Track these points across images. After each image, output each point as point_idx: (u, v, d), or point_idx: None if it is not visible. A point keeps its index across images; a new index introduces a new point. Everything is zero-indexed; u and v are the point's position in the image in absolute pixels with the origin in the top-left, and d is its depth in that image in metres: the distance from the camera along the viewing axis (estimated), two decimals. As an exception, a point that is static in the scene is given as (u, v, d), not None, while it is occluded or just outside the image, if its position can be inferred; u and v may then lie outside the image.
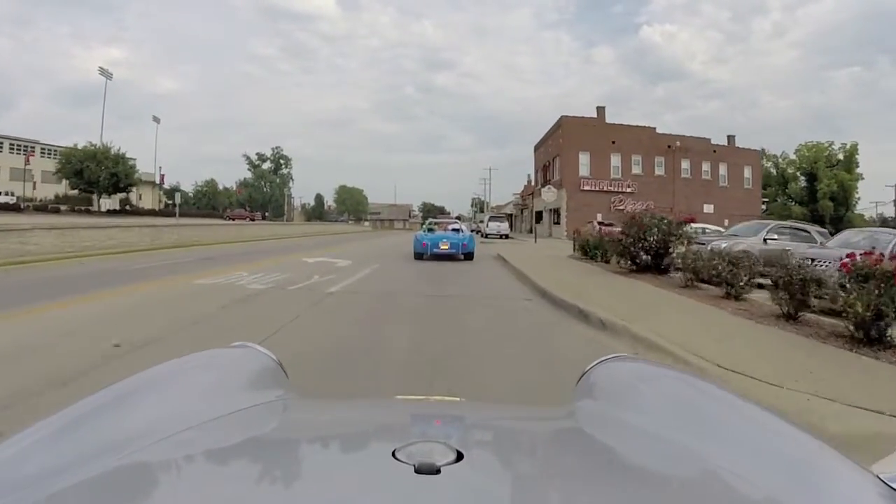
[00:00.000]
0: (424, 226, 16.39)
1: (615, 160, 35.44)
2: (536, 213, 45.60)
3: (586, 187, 34.39)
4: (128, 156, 41.53)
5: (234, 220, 44.33)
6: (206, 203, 67.75)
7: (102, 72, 46.27)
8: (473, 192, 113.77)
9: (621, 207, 35.56)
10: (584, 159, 34.77)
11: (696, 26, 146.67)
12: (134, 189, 46.11)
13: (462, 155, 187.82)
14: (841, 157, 42.65)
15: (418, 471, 0.51)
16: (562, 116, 35.42)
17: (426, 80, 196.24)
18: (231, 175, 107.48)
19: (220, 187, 75.46)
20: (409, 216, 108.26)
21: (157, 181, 54.57)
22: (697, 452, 0.65)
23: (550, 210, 37.37)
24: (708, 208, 38.25)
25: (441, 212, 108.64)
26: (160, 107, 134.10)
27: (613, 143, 35.22)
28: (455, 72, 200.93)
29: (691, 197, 37.58)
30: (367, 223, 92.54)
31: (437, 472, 0.52)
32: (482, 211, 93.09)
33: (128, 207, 44.70)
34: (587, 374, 0.98)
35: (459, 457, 0.55)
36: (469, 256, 13.74)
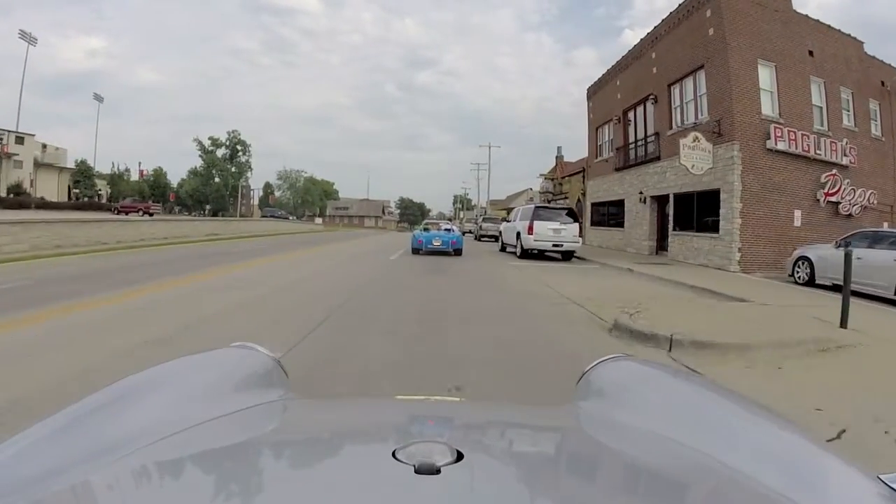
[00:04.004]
0: (420, 226, 17.74)
1: (816, 91, 15.95)
2: (593, 205, 25.42)
3: (780, 145, 14.24)
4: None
5: (125, 212, 33.71)
6: (152, 192, 57.14)
7: (24, 36, 38.95)
8: (462, 184, 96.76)
9: (833, 196, 16.35)
10: (765, 79, 14.67)
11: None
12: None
13: (441, 153, 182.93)
14: None
15: (418, 471, 0.51)
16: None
17: (407, 78, 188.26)
18: (188, 164, 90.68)
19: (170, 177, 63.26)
20: (384, 213, 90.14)
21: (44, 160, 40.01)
22: (697, 453, 0.64)
23: (680, 196, 18.02)
24: (928, 208, 19.43)
25: (420, 209, 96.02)
26: (141, 99, 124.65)
27: (811, 54, 16.01)
28: (436, 69, 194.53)
29: (913, 183, 18.71)
30: (318, 220, 72.18)
31: (437, 472, 0.51)
32: (468, 209, 73.76)
33: (12, 196, 34.58)
34: (587, 375, 0.96)
35: (459, 457, 0.55)
36: (458, 252, 15.16)
